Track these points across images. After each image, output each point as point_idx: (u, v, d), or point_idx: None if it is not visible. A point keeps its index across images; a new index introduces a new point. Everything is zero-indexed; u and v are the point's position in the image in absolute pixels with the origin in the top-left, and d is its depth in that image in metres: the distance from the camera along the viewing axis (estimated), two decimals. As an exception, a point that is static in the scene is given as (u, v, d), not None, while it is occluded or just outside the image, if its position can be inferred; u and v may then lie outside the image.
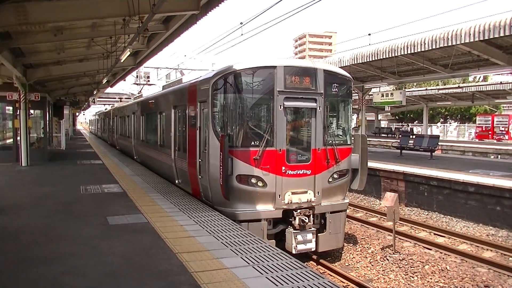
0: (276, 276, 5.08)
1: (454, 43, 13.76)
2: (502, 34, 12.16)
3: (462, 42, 13.47)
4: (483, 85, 31.91)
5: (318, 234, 9.25)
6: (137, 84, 36.57)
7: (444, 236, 11.55)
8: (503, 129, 36.46)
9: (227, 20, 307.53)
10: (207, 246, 6.22)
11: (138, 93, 31.94)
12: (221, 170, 8.21)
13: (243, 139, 8.68)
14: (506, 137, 35.68)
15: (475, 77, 39.88)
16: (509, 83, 27.90)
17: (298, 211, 8.83)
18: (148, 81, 36.32)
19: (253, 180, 8.57)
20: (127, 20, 10.70)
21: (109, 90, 37.77)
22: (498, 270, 8.99)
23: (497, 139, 35.75)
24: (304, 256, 9.39)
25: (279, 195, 8.71)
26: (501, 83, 29.54)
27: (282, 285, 4.81)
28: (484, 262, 9.42)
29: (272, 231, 8.90)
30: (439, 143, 23.51)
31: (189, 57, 60.04)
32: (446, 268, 9.14)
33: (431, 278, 8.72)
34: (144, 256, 5.77)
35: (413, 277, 8.83)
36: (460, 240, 11.17)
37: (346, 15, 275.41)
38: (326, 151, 9.22)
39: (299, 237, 8.80)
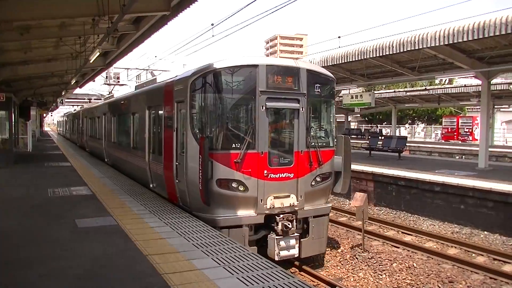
0: (247, 276, 5.13)
1: (420, 47, 14.11)
2: (465, 39, 12.55)
3: (428, 46, 13.84)
4: (448, 87, 32.85)
5: (301, 240, 8.90)
6: (107, 84, 35.96)
7: (411, 235, 11.86)
8: (467, 130, 37.76)
9: (198, 21, 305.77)
10: (178, 247, 6.21)
11: (109, 94, 31.44)
12: (200, 174, 7.81)
13: (224, 141, 8.24)
14: (470, 138, 36.93)
15: (441, 80, 41.10)
16: (473, 86, 28.87)
17: (281, 216, 8.44)
18: (118, 81, 35.76)
19: (234, 184, 8.15)
20: (97, 20, 10.53)
21: (78, 91, 36.96)
22: (462, 266, 9.32)
23: (462, 140, 37.01)
24: (284, 260, 9.01)
25: (261, 200, 8.33)
26: (465, 86, 30.57)
27: (253, 285, 4.87)
28: (449, 258, 9.74)
29: (253, 237, 8.53)
30: (407, 144, 24.13)
31: (160, 58, 59.23)
32: (413, 265, 9.41)
33: (398, 276, 8.95)
34: (114, 259, 5.72)
35: (381, 275, 9.05)
36: (426, 238, 11.51)
37: (316, 18, 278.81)
38: (309, 153, 8.88)
39: (282, 243, 8.43)
